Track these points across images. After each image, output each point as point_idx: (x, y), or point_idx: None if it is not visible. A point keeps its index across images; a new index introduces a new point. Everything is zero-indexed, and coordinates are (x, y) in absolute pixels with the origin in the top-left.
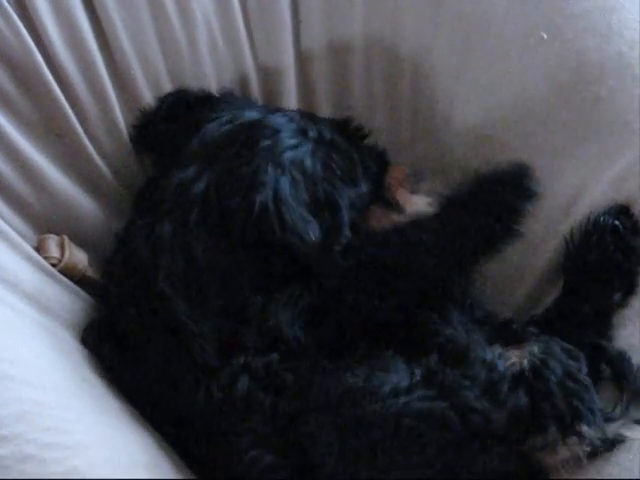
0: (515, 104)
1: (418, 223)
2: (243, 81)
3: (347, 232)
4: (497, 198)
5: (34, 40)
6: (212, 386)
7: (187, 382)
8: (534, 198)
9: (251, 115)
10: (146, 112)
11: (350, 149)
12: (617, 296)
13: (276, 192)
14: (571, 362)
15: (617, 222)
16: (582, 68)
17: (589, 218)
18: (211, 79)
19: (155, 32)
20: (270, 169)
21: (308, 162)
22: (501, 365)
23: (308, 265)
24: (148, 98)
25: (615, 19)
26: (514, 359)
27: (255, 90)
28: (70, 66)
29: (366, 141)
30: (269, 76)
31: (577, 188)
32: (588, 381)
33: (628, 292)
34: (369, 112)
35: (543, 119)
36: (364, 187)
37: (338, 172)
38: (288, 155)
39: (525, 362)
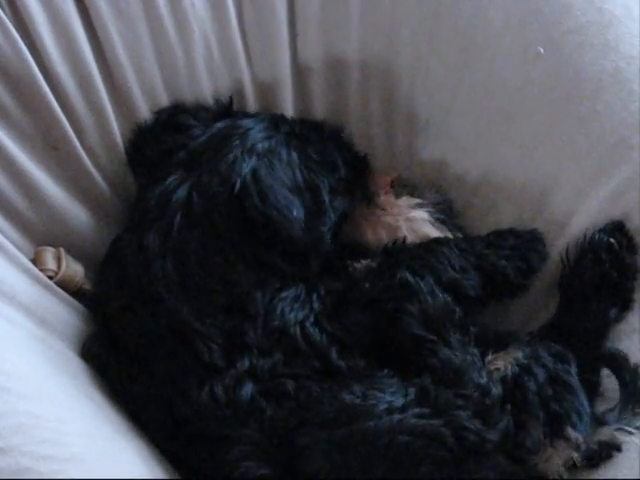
0: (511, 118)
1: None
2: (239, 94)
3: (331, 214)
4: (518, 251)
5: (31, 52)
6: (216, 387)
7: (191, 382)
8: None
9: (234, 126)
10: (141, 128)
11: (324, 141)
12: (613, 312)
13: (254, 173)
14: (558, 365)
15: (612, 240)
16: (579, 83)
17: (585, 236)
18: (207, 92)
19: (152, 44)
20: (245, 157)
21: (283, 150)
22: (495, 390)
23: (308, 260)
24: (144, 110)
25: (612, 34)
26: (499, 364)
27: (251, 103)
28: (67, 78)
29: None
30: (265, 89)
31: (573, 203)
32: (576, 383)
33: (624, 308)
34: (365, 125)
35: (540, 133)
36: (342, 172)
37: (314, 157)
38: (261, 145)
39: (509, 368)
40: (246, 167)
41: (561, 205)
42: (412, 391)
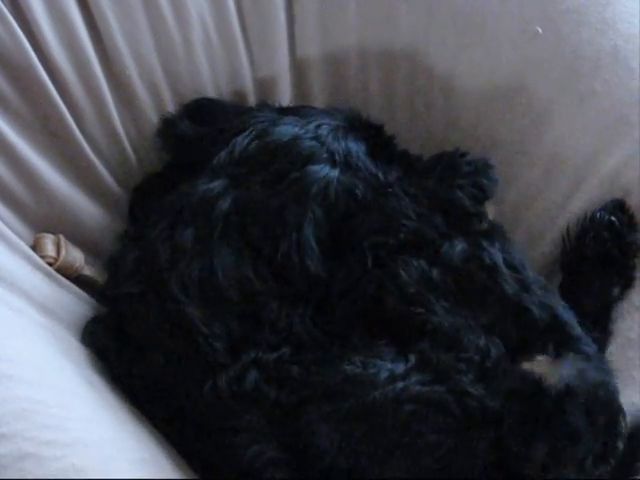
0: (510, 98)
1: None
2: (238, 81)
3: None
4: (471, 179)
5: (29, 40)
6: (220, 379)
7: (194, 376)
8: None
9: (282, 133)
10: (175, 111)
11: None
12: (616, 290)
13: (299, 240)
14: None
15: (613, 218)
16: (577, 62)
17: (585, 214)
18: (206, 77)
19: (150, 31)
20: (295, 209)
21: (331, 192)
22: (494, 351)
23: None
24: (143, 97)
25: (610, 12)
26: (543, 370)
27: (249, 86)
28: (65, 65)
29: None
30: (264, 72)
31: (573, 181)
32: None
33: (626, 286)
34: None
35: (538, 113)
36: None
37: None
38: (314, 190)
39: (553, 382)
40: (293, 223)
41: (561, 184)
42: (412, 357)
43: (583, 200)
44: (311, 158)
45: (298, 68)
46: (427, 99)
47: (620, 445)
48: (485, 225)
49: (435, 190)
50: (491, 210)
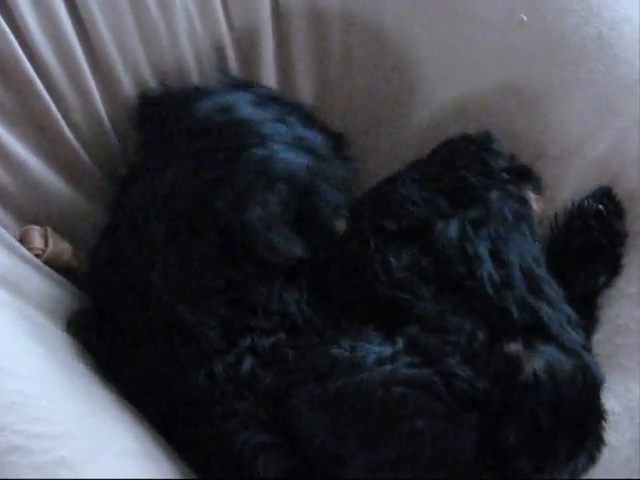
0: (495, 86)
1: None
2: (220, 55)
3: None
4: (475, 156)
5: (13, 32)
6: (216, 366)
7: (187, 366)
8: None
9: (242, 111)
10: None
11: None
12: (602, 279)
13: (265, 215)
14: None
15: (601, 206)
16: (562, 50)
17: (573, 202)
18: (191, 67)
19: (134, 21)
20: (261, 184)
21: (300, 175)
22: (481, 334)
23: None
24: (128, 86)
25: (594, 0)
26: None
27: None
28: (51, 58)
29: None
30: (246, 46)
31: (559, 169)
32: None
33: (613, 274)
34: (348, 81)
35: (523, 101)
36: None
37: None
38: (280, 169)
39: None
40: (259, 200)
41: (547, 172)
42: (400, 341)
43: (569, 189)
44: (274, 138)
45: (280, 25)
46: (409, 84)
47: (596, 443)
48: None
49: (439, 173)
50: (532, 199)
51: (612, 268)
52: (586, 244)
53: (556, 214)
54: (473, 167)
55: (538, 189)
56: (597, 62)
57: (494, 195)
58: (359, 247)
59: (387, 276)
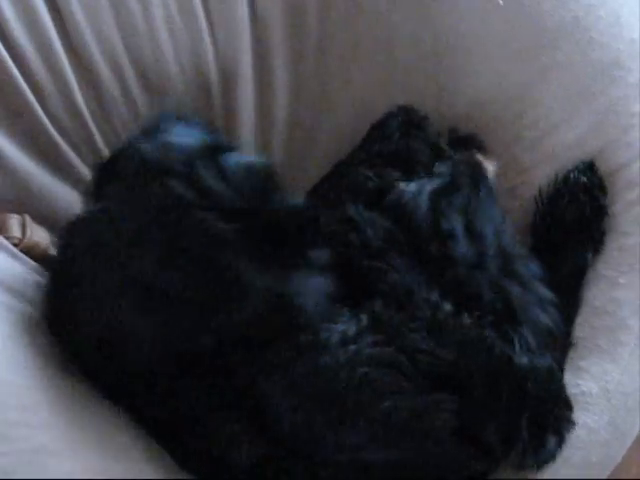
0: (468, 70)
1: None
2: (200, 54)
3: None
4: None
5: None
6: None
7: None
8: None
9: None
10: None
11: None
12: (589, 256)
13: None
14: None
15: (586, 179)
16: (538, 33)
17: (556, 176)
18: (168, 55)
19: (111, 9)
20: None
21: None
22: (447, 306)
23: None
24: (105, 74)
25: None
26: None
27: (212, 62)
28: (27, 45)
29: None
30: (224, 42)
31: (536, 153)
32: None
33: (596, 251)
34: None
35: (498, 84)
36: None
37: None
38: None
39: None
40: None
41: (525, 155)
42: (364, 317)
43: (546, 172)
44: None
45: (258, 26)
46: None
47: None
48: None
49: (383, 150)
50: (490, 168)
51: (596, 245)
52: (575, 217)
53: (539, 190)
54: (414, 140)
55: (484, 150)
56: (573, 45)
57: (446, 166)
58: (332, 219)
59: (362, 245)
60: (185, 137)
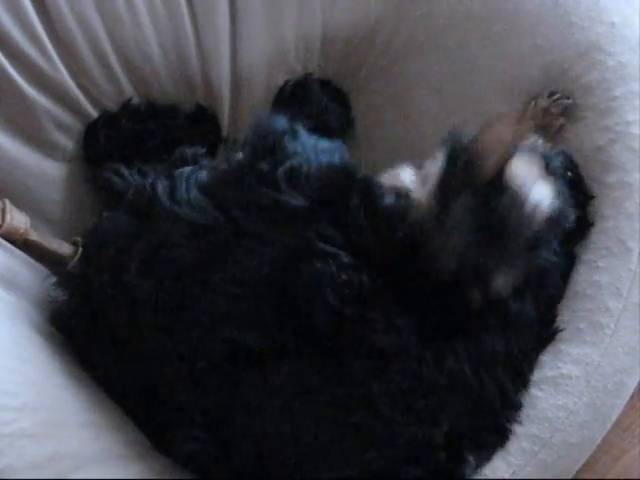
0: (451, 55)
1: None
2: (182, 42)
3: None
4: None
5: None
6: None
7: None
8: None
9: None
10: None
11: None
12: (575, 246)
13: None
14: None
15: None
16: (518, 17)
17: None
18: (151, 38)
19: None
20: None
21: None
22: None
23: None
24: (90, 60)
25: None
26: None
27: (192, 50)
28: (11, 29)
29: None
30: (205, 30)
31: None
32: None
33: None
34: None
35: (479, 69)
36: None
37: None
38: None
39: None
40: None
41: None
42: None
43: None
44: None
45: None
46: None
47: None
48: None
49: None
50: None
51: (582, 235)
52: None
53: None
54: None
55: None
56: (553, 29)
57: None
58: None
59: None
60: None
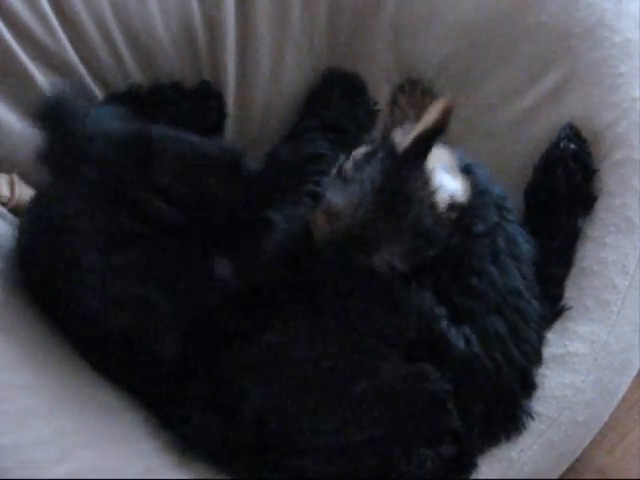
0: (457, 30)
1: None
2: (188, 17)
3: None
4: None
5: None
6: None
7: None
8: None
9: None
10: None
11: None
12: (580, 222)
13: None
14: None
15: (575, 146)
16: None
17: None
18: (156, 16)
19: None
20: None
21: None
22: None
23: None
24: (95, 36)
25: None
26: None
27: (199, 24)
28: (18, 6)
29: None
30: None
31: (519, 113)
32: None
33: (586, 215)
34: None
35: (485, 45)
36: None
37: None
38: None
39: None
40: None
41: (508, 116)
42: None
43: (529, 133)
44: None
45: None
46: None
47: None
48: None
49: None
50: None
51: (587, 209)
52: (566, 184)
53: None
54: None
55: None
56: (559, 5)
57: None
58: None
59: None
60: None
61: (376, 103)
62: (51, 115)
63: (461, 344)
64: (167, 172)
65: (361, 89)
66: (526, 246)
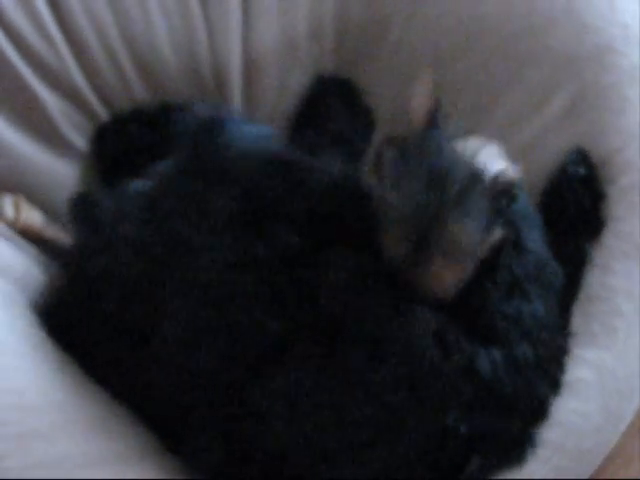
0: (463, 53)
1: None
2: (194, 41)
3: None
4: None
5: None
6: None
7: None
8: None
9: None
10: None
11: None
12: (588, 247)
13: None
14: None
15: (584, 172)
16: (531, 18)
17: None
18: (162, 39)
19: None
20: None
21: None
22: None
23: None
24: (101, 58)
25: None
26: None
27: (204, 48)
28: (23, 25)
29: None
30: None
31: (527, 136)
32: None
33: (595, 241)
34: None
35: (492, 71)
36: None
37: None
38: None
39: None
40: None
41: (524, 134)
42: None
43: (540, 156)
44: None
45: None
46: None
47: None
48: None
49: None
50: None
51: (595, 235)
52: (574, 210)
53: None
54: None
55: None
56: (566, 30)
57: None
58: None
59: None
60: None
61: (372, 110)
62: (199, 132)
63: (486, 366)
64: (307, 202)
65: (357, 95)
66: (557, 275)
